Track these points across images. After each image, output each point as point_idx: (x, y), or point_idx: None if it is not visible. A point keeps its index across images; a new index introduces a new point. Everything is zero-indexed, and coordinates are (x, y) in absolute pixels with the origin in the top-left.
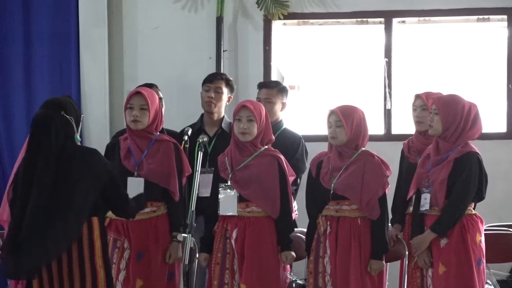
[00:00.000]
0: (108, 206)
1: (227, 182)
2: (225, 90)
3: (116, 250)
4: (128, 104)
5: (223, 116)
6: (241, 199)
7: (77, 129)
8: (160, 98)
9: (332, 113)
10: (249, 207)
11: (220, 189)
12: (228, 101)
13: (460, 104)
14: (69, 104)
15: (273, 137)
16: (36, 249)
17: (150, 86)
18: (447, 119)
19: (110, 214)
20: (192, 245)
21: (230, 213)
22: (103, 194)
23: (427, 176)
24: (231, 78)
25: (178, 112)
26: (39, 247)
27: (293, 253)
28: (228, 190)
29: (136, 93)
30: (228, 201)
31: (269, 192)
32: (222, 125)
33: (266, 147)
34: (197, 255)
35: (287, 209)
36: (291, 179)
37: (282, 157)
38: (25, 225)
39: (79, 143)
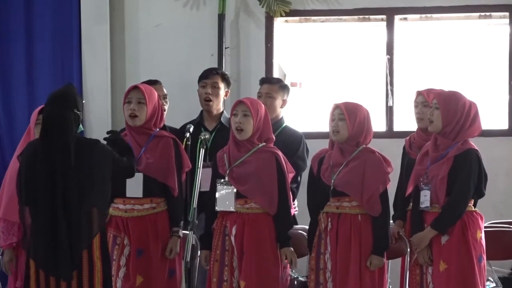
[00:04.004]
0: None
1: (225, 178)
2: (221, 85)
3: (116, 247)
4: (126, 98)
5: (222, 111)
6: (239, 196)
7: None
8: (165, 95)
9: (336, 107)
10: (248, 204)
11: (217, 185)
12: (226, 95)
13: (461, 101)
14: (77, 98)
15: (273, 136)
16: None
17: (154, 82)
18: (447, 115)
19: (110, 210)
20: (193, 242)
21: (228, 209)
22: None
23: (426, 173)
24: (226, 73)
25: (180, 109)
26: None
27: (292, 249)
28: (226, 187)
29: (134, 88)
30: (225, 197)
31: (267, 188)
32: (221, 119)
33: (264, 143)
34: (199, 253)
35: (286, 206)
36: (290, 175)
37: (280, 153)
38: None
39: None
